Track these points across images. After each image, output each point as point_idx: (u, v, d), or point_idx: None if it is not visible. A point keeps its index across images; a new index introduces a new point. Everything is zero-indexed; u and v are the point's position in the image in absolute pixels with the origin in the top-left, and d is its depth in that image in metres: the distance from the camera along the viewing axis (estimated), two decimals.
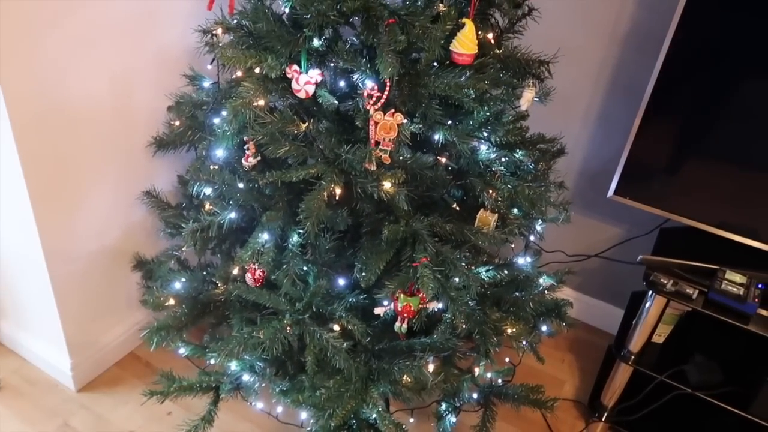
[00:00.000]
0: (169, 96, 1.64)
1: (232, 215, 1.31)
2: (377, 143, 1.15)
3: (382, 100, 1.13)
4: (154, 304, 1.46)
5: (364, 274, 1.26)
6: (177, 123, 1.53)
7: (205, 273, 1.62)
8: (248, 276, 1.33)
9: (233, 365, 1.48)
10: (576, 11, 1.83)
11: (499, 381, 1.58)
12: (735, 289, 1.46)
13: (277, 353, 1.30)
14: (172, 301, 1.46)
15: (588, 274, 2.16)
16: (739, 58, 1.43)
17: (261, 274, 1.31)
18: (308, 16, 1.06)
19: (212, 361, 1.36)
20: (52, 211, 1.51)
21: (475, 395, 1.52)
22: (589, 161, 2.02)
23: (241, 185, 1.28)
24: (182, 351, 1.51)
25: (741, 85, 1.45)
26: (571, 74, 1.88)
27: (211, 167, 1.41)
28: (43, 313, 1.69)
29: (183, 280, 1.50)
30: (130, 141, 1.66)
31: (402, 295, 1.26)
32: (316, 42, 1.19)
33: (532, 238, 1.58)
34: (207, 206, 1.55)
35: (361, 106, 1.14)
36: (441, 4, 1.21)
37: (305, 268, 1.34)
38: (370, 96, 1.13)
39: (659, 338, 1.71)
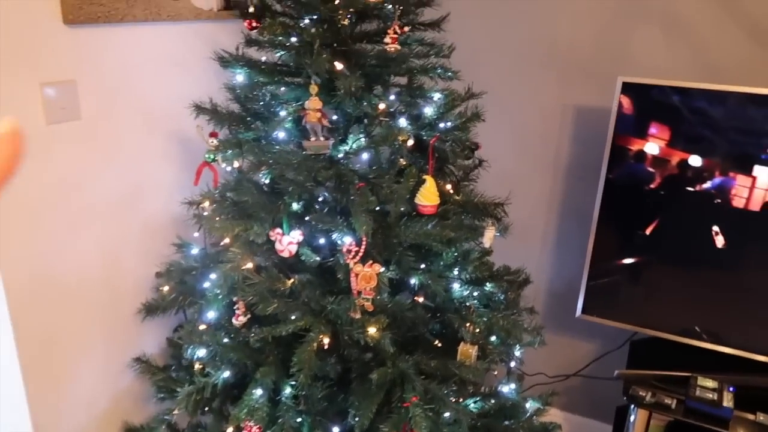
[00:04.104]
0: (156, 264, 1.74)
1: (226, 374, 1.36)
2: (359, 293, 1.25)
3: (360, 254, 1.25)
4: None
5: (357, 419, 1.30)
6: (166, 288, 1.61)
7: None
8: None
9: None
10: (521, 151, 2.05)
11: None
12: (709, 395, 1.53)
13: None
14: None
15: (571, 393, 2.20)
16: (668, 182, 1.62)
17: (257, 430, 1.34)
18: (290, 188, 1.20)
19: None
20: (43, 388, 1.52)
21: None
22: (554, 283, 2.15)
23: (233, 344, 1.34)
24: None
25: (676, 202, 1.64)
26: (525, 206, 2.07)
27: (201, 328, 1.48)
28: None
29: None
30: (119, 309, 1.71)
31: None
32: (294, 206, 1.33)
33: (513, 363, 1.65)
34: (197, 366, 1.59)
35: (341, 261, 1.25)
36: (402, 159, 1.37)
37: (299, 420, 1.37)
38: (348, 251, 1.25)
39: None
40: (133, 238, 1.72)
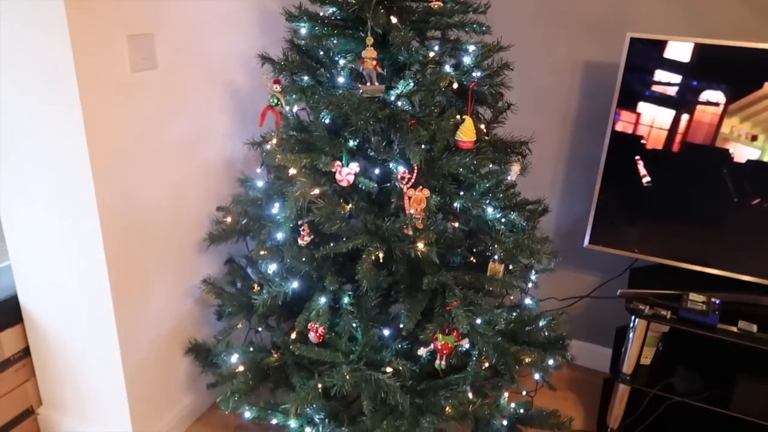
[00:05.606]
0: (213, 201, 1.96)
1: (294, 284, 1.60)
2: (411, 213, 1.49)
3: (412, 180, 1.48)
4: (227, 371, 1.69)
5: (406, 321, 1.55)
6: (229, 219, 1.83)
7: (251, 349, 1.88)
8: (311, 334, 1.59)
9: (293, 423, 1.70)
10: (536, 103, 2.28)
11: (521, 411, 1.84)
12: (699, 307, 1.80)
13: (338, 396, 1.55)
14: (241, 368, 1.69)
15: (575, 320, 2.47)
16: (669, 136, 1.86)
17: (322, 331, 1.58)
18: (360, 122, 1.42)
19: (290, 414, 1.58)
20: (127, 303, 1.76)
21: (504, 422, 1.76)
22: (561, 222, 2.40)
23: (304, 259, 1.58)
24: (248, 414, 1.72)
25: (672, 152, 1.88)
26: (536, 155, 2.30)
27: (262, 253, 1.71)
28: (111, 404, 1.87)
29: (249, 350, 1.74)
30: (183, 240, 1.94)
31: (440, 335, 1.54)
32: (351, 143, 1.55)
33: (530, 285, 1.90)
34: (256, 287, 1.84)
35: (397, 186, 1.48)
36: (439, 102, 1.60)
37: (354, 325, 1.62)
38: (402, 178, 1.48)
39: (646, 360, 2.01)
40: (194, 177, 1.94)
